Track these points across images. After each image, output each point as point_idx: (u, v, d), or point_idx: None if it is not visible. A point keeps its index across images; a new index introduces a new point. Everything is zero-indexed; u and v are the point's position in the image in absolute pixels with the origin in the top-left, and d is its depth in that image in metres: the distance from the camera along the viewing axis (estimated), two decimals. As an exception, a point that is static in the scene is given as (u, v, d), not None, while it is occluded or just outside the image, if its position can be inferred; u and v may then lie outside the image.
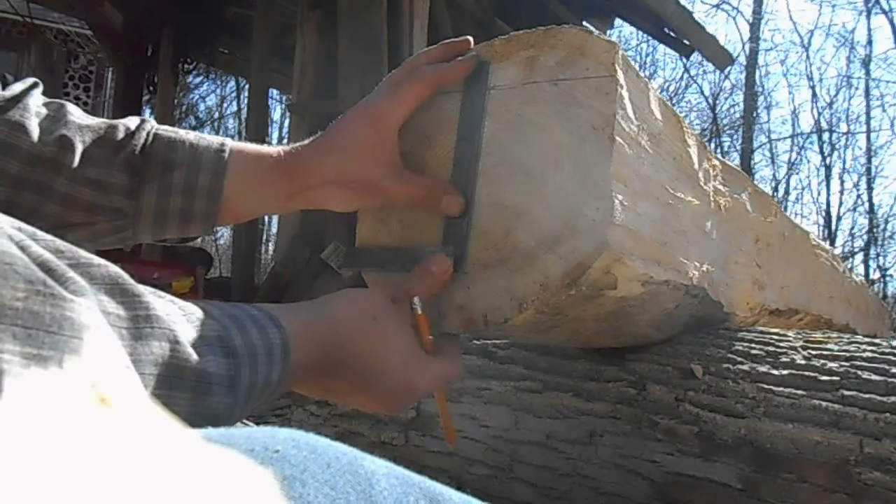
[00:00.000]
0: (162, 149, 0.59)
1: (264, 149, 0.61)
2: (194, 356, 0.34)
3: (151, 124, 0.60)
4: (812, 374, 0.70)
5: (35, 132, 0.54)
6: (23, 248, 0.23)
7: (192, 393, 0.34)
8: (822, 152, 9.70)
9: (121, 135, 0.58)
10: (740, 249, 0.85)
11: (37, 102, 0.56)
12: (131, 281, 0.32)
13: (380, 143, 0.58)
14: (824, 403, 0.67)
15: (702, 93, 10.56)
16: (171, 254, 3.62)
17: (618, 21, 5.00)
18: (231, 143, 0.60)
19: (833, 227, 9.33)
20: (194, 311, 0.37)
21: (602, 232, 0.50)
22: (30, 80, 0.56)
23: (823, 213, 9.62)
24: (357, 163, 0.58)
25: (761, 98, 10.32)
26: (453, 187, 0.58)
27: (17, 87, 0.55)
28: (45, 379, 0.18)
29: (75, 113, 0.58)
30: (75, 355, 0.20)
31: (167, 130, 0.60)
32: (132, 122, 0.59)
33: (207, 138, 0.60)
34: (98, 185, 0.56)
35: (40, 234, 0.27)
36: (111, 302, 0.30)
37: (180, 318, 0.35)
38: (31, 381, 0.18)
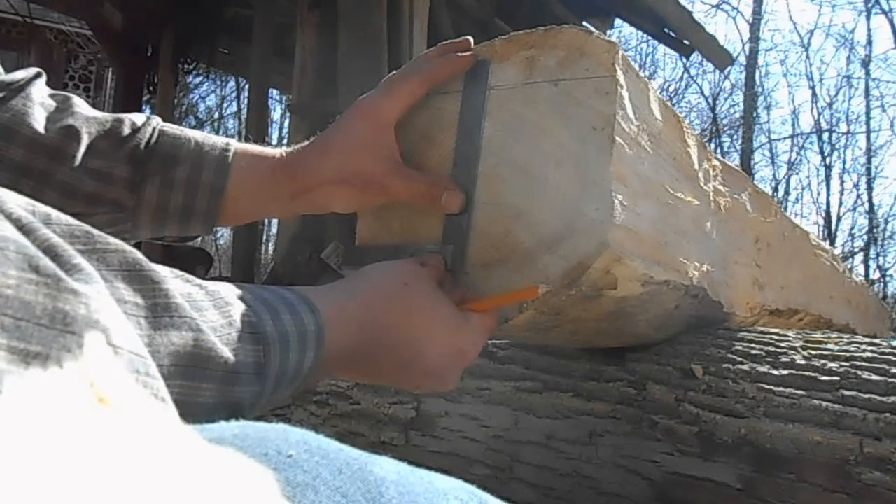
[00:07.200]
0: (167, 145, 0.59)
1: (267, 150, 0.61)
2: (219, 345, 0.33)
3: (157, 121, 0.61)
4: (812, 374, 0.70)
5: (39, 121, 0.54)
6: (28, 231, 0.22)
7: (218, 383, 0.33)
8: (822, 152, 9.71)
9: (126, 129, 0.58)
10: (740, 249, 0.85)
11: (41, 93, 0.56)
12: (151, 266, 0.30)
13: (376, 139, 0.58)
14: (824, 403, 0.67)
15: (702, 93, 10.57)
16: (171, 254, 3.61)
17: (618, 21, 4.99)
18: (236, 144, 0.61)
19: (833, 227, 9.34)
20: (224, 296, 0.36)
21: (602, 232, 0.50)
22: (33, 71, 0.56)
23: (823, 213, 9.63)
24: (356, 160, 0.58)
25: (761, 98, 10.33)
26: (454, 184, 0.58)
27: (18, 76, 0.55)
28: (43, 378, 0.18)
29: (82, 105, 0.58)
30: (66, 352, 0.19)
31: (173, 128, 0.60)
32: (138, 117, 0.60)
33: (213, 138, 0.60)
34: (100, 175, 0.56)
35: (56, 215, 0.26)
36: (128, 289, 0.28)
37: (207, 303, 0.34)
38: (29, 380, 0.18)
